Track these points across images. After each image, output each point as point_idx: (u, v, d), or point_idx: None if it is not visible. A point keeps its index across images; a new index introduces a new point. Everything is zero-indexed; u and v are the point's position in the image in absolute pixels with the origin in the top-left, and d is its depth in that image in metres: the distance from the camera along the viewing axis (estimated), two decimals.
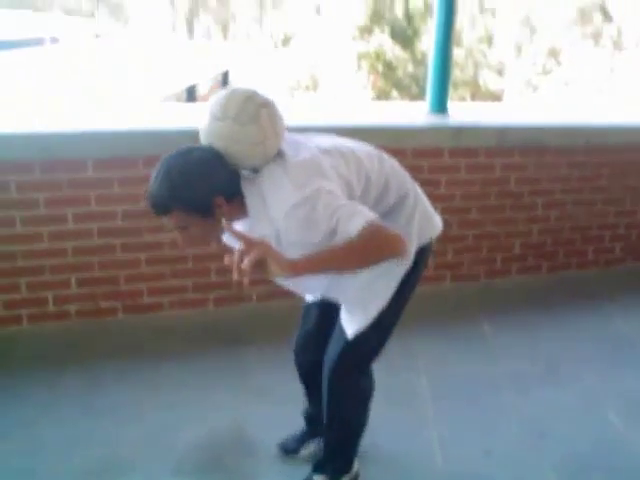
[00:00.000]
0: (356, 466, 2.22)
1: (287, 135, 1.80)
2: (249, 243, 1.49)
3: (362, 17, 16.98)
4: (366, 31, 17.21)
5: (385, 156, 1.95)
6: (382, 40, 17.02)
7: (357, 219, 1.59)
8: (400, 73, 17.95)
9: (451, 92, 3.77)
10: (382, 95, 17.87)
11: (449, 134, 3.51)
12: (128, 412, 2.61)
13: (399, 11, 17.07)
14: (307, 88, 18.09)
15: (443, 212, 3.46)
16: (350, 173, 1.78)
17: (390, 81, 18.02)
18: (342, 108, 4.13)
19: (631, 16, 24.31)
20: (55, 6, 31.95)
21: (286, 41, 20.58)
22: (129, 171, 3.03)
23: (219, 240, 1.86)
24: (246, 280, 1.48)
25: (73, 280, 3.13)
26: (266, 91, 1.79)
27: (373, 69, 17.40)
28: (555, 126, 3.84)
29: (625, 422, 2.64)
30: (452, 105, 3.77)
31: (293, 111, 3.53)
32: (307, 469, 2.24)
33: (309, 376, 2.27)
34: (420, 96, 16.70)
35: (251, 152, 1.67)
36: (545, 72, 27.78)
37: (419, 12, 17.26)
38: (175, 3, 35.62)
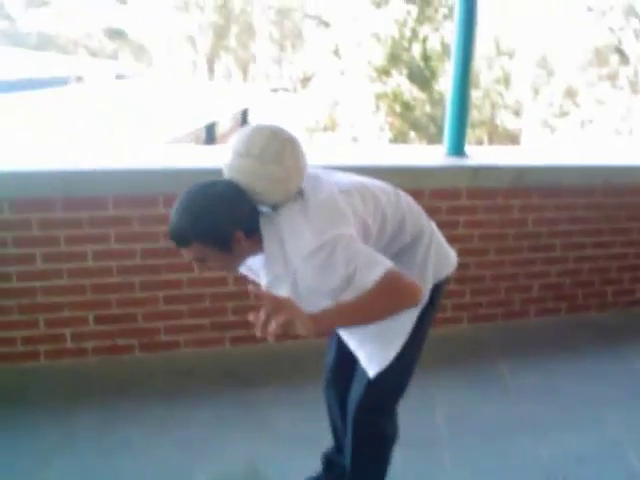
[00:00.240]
0: None
1: (308, 171, 1.81)
2: (277, 305, 1.48)
3: (380, 58, 17.20)
4: (384, 72, 17.41)
5: (401, 193, 1.97)
6: (400, 81, 17.20)
7: (375, 268, 1.59)
8: (418, 113, 18.09)
9: (468, 132, 3.79)
10: (400, 136, 17.99)
11: (467, 175, 3.52)
12: (142, 450, 2.60)
13: (416, 52, 17.28)
14: (325, 129, 18.27)
15: (461, 253, 3.46)
16: (367, 211, 1.79)
17: (408, 121, 18.16)
18: (360, 151, 4.17)
19: None
20: (80, 48, 32.82)
21: (305, 82, 20.88)
22: (148, 209, 3.07)
23: (236, 272, 1.87)
24: (271, 339, 1.46)
25: (91, 317, 3.15)
26: (289, 128, 1.81)
27: (391, 110, 17.55)
28: (573, 167, 3.84)
29: None
30: (470, 149, 3.79)
31: (312, 152, 3.56)
32: None
33: (335, 415, 2.26)
34: (437, 136, 16.80)
35: (272, 189, 1.68)
36: (562, 114, 27.89)
37: (436, 53, 17.47)
38: (197, 44, 36.42)
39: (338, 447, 2.32)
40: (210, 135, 15.39)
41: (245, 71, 40.71)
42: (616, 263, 3.98)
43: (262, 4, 36.98)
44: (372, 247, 1.72)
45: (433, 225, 2.02)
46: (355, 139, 17.67)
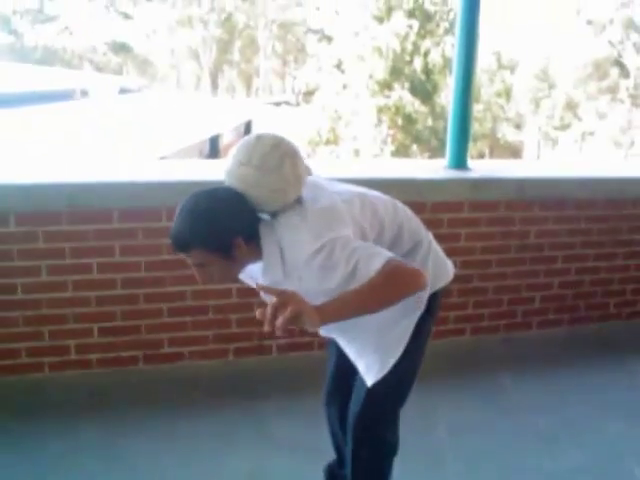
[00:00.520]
0: None
1: (308, 179, 1.84)
2: (284, 299, 1.50)
3: (382, 72, 17.28)
4: (386, 86, 17.49)
5: (399, 204, 2.00)
6: (402, 95, 17.27)
7: (376, 258, 1.62)
8: (420, 127, 18.16)
9: (470, 146, 3.81)
10: (401, 148, 18.05)
11: (468, 187, 3.54)
12: (145, 461, 2.61)
13: (418, 66, 17.36)
14: (328, 142, 18.34)
15: (463, 265, 3.51)
16: (364, 219, 1.83)
17: (410, 135, 18.22)
18: (362, 165, 4.20)
19: None
20: (85, 62, 33.08)
21: (308, 95, 20.97)
22: (153, 222, 3.09)
23: (236, 279, 1.89)
24: (278, 333, 1.49)
25: (95, 329, 3.17)
26: (291, 139, 1.84)
27: (393, 123, 17.62)
28: (574, 179, 3.86)
29: None
30: (472, 162, 3.80)
31: (314, 165, 3.59)
32: None
33: (335, 429, 2.27)
34: (439, 149, 16.84)
35: (270, 198, 1.72)
36: (563, 126, 27.96)
37: (438, 67, 17.55)
38: (201, 58, 36.66)
39: (340, 460, 2.32)
40: (214, 148, 15.44)
41: (248, 85, 40.96)
42: (618, 275, 3.99)
43: (265, 19, 37.27)
44: None
45: (431, 236, 2.04)
46: (357, 152, 17.73)
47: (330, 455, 2.37)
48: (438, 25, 17.46)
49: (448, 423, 2.93)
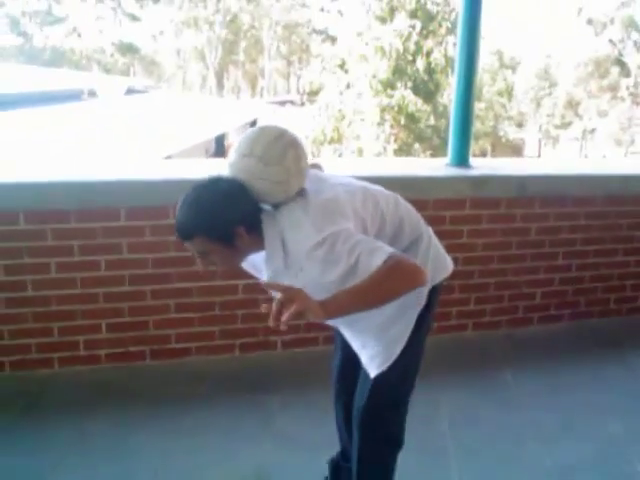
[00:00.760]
0: None
1: (311, 172, 1.87)
2: (290, 295, 1.54)
3: (385, 72, 17.28)
4: (389, 85, 17.48)
5: (400, 199, 2.03)
6: (404, 94, 17.26)
7: (378, 253, 1.65)
8: (422, 125, 18.14)
9: (472, 144, 3.84)
10: (404, 147, 18.04)
11: (470, 185, 3.58)
12: (153, 456, 2.64)
13: (420, 66, 17.35)
14: (332, 141, 18.33)
15: (465, 262, 3.56)
16: (366, 213, 1.86)
17: (412, 133, 18.21)
18: (366, 163, 4.23)
19: None
20: (92, 63, 33.17)
21: (312, 95, 20.97)
22: (160, 220, 3.14)
23: (239, 268, 1.93)
24: (283, 327, 1.52)
25: (104, 325, 3.22)
26: (292, 129, 1.86)
27: (396, 122, 17.61)
28: (575, 176, 3.91)
29: None
30: (473, 160, 3.84)
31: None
32: None
33: (341, 424, 2.31)
34: (441, 147, 16.84)
35: (273, 189, 1.75)
36: (564, 124, 27.94)
37: (440, 66, 17.53)
38: (207, 59, 36.71)
39: (345, 454, 2.35)
40: (219, 147, 15.52)
41: (253, 85, 41.00)
42: (618, 271, 4.02)
43: (270, 20, 37.31)
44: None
45: (431, 232, 2.08)
46: (360, 151, 17.73)
47: (335, 448, 2.40)
48: (440, 25, 17.43)
49: (450, 418, 2.95)
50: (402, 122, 17.76)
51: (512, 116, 29.41)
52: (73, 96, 13.14)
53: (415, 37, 17.19)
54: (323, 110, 18.54)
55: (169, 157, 9.83)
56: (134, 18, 34.86)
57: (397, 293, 1.69)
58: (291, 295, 1.54)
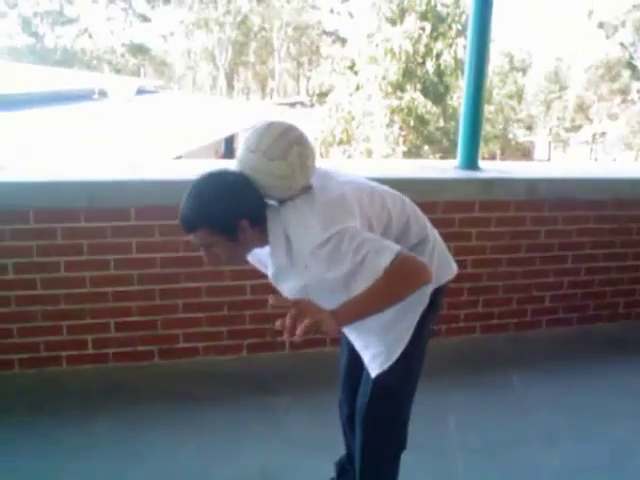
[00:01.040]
0: None
1: (318, 169, 1.87)
2: (301, 309, 1.54)
3: (394, 74, 17.28)
4: (398, 87, 17.49)
5: (407, 200, 2.03)
6: (414, 96, 17.26)
7: (385, 252, 1.65)
8: (431, 128, 18.14)
9: (481, 147, 3.84)
10: (413, 149, 18.03)
11: (479, 187, 3.58)
12: (160, 455, 2.65)
13: (430, 68, 17.35)
14: (341, 142, 18.35)
15: (474, 264, 3.56)
16: (372, 211, 1.85)
17: (421, 135, 18.20)
18: (375, 164, 4.23)
19: None
20: (103, 63, 33.36)
21: (321, 97, 20.99)
22: (169, 220, 3.14)
23: (244, 262, 1.93)
24: (297, 340, 1.52)
25: (112, 324, 3.23)
26: (301, 128, 1.86)
27: (405, 124, 17.62)
28: (584, 179, 3.89)
29: None
30: (482, 163, 3.83)
31: (327, 165, 3.64)
32: None
33: (345, 427, 2.30)
34: (451, 150, 16.83)
35: (277, 185, 1.75)
36: (574, 128, 27.85)
37: (450, 69, 17.52)
38: (217, 60, 36.83)
39: (350, 456, 2.34)
40: (229, 147, 15.57)
41: (263, 86, 41.09)
42: (628, 275, 4.01)
43: (280, 21, 37.40)
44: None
45: (436, 233, 2.07)
46: (370, 152, 17.74)
47: (341, 450, 2.40)
48: (450, 27, 17.43)
49: (457, 419, 2.95)
50: (411, 124, 17.76)
51: (522, 119, 29.37)
52: (84, 96, 13.23)
53: (425, 39, 17.19)
54: (333, 111, 18.56)
55: (179, 157, 9.87)
56: (145, 19, 35.07)
57: (407, 292, 1.69)
58: (302, 308, 1.54)
